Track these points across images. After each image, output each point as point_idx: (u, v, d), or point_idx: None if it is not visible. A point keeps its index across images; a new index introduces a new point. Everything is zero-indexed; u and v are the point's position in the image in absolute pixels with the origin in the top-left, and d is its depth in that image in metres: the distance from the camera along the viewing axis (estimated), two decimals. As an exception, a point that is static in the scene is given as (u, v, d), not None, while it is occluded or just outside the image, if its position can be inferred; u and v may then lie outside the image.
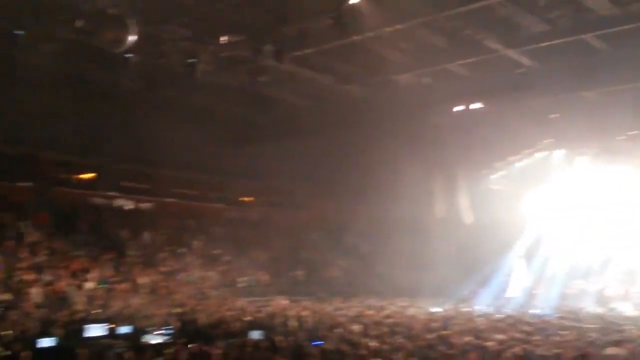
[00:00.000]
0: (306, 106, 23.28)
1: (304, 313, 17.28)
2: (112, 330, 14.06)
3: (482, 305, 23.23)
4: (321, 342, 12.01)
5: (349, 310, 18.76)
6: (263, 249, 26.87)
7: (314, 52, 17.51)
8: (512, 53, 17.52)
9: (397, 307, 20.46)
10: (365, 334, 13.30)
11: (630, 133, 22.57)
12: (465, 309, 21.56)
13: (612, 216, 27.76)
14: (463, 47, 17.57)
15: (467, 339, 12.40)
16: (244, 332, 13.45)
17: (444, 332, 13.42)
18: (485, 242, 27.41)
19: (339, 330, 13.75)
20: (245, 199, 31.01)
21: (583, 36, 16.21)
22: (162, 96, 20.96)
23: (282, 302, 20.85)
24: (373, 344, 11.54)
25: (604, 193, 27.29)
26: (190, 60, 16.13)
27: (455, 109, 20.88)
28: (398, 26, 15.70)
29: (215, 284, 23.02)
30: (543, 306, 22.75)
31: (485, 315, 18.75)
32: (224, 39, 15.92)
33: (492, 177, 28.28)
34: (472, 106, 20.57)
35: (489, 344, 11.76)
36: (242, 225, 28.29)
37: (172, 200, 27.69)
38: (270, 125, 25.12)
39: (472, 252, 27.42)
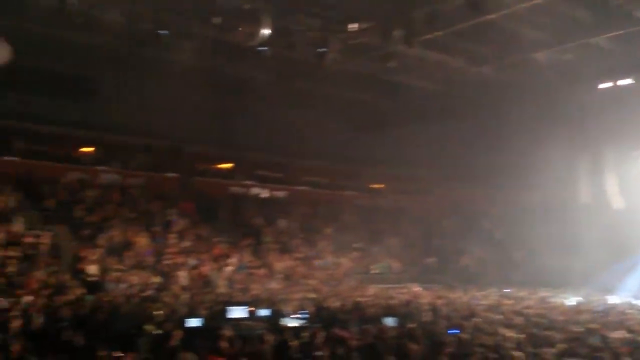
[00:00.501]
0: (437, 90, 22.69)
1: (439, 301, 16.98)
2: (252, 312, 14.60)
3: (629, 295, 21.43)
4: (457, 331, 11.69)
5: (485, 299, 18.15)
6: (395, 236, 26.72)
7: (444, 35, 16.99)
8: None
9: (538, 297, 19.47)
10: (504, 324, 12.75)
11: None
12: (612, 299, 20.01)
13: None
14: (609, 20, 16.18)
15: (618, 333, 11.49)
16: (377, 319, 13.42)
17: (592, 325, 12.52)
18: (634, 229, 25.21)
19: (476, 319, 13.32)
20: (377, 186, 31.01)
21: None
22: (293, 87, 21.43)
23: (415, 289, 20.63)
24: (511, 334, 11.03)
25: None
26: (320, 50, 16.29)
27: (602, 86, 19.35)
28: (537, 1, 14.79)
29: (347, 270, 23.29)
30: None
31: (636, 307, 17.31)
32: (353, 26, 15.90)
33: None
34: (621, 82, 18.96)
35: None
36: (374, 213, 28.33)
37: (305, 188, 28.40)
38: (400, 112, 24.86)
39: (619, 239, 25.29)
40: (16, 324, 11.61)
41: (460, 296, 18.96)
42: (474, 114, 22.99)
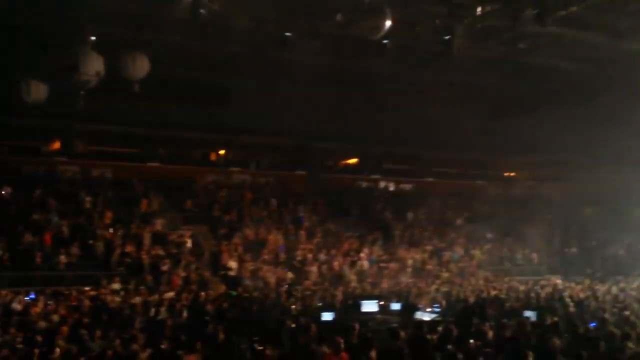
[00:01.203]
0: (575, 70, 21.11)
1: (582, 294, 15.95)
2: (383, 307, 14.56)
3: None
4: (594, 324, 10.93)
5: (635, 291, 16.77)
6: (531, 225, 25.42)
7: (580, 9, 15.79)
8: None
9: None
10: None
11: None
12: None
13: None
14: None
15: None
16: (517, 312, 12.85)
17: None
18: None
19: (626, 312, 12.33)
20: (510, 174, 29.79)
21: None
22: (418, 78, 21.03)
23: (556, 281, 19.53)
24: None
25: None
26: (445, 37, 15.82)
27: None
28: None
29: (481, 262, 22.54)
30: None
31: None
32: (480, 9, 15.28)
33: None
34: None
35: None
36: (508, 202, 27.15)
37: (435, 179, 27.89)
38: (534, 95, 23.50)
39: None
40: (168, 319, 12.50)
41: (609, 289, 17.62)
42: (615, 93, 21.20)
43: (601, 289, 17.40)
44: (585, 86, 21.28)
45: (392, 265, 21.10)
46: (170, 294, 15.41)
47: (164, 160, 23.90)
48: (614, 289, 17.22)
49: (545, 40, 17.84)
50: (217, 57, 18.87)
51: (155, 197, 21.24)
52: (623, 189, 26.57)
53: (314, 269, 19.58)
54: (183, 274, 17.64)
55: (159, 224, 19.88)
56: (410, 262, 21.44)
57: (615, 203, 26.69)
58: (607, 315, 11.75)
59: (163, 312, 13.53)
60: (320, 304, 15.03)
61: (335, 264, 20.28)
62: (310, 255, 20.37)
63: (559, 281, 19.52)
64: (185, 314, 13.58)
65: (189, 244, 19.52)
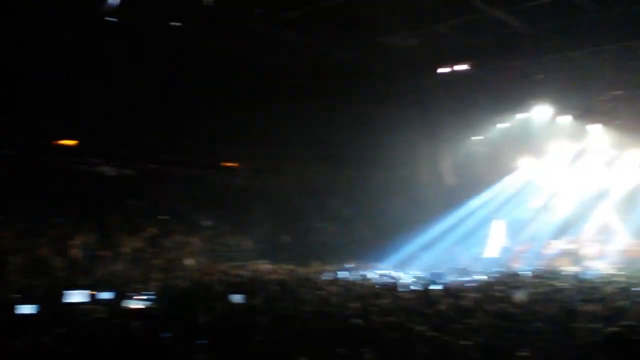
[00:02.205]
0: (291, 70, 22.55)
1: (285, 277, 17.37)
2: (92, 296, 13.89)
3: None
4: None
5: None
6: (247, 214, 26.75)
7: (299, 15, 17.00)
8: (499, 13, 17.13)
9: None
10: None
11: (612, 93, 22.70)
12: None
13: (589, 175, 28.04)
14: (450, 7, 17.19)
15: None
16: (224, 296, 13.37)
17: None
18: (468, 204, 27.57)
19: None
20: (232, 164, 30.71)
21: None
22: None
23: (265, 266, 20.86)
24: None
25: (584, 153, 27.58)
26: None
27: (441, 70, 20.60)
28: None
29: (197, 249, 22.90)
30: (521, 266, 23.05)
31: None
32: None
33: (477, 139, 28.41)
34: (458, 67, 20.30)
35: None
36: (227, 192, 28.05)
37: (157, 166, 27.31)
38: (253, 91, 24.52)
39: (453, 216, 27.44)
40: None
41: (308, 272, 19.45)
42: (326, 95, 23.30)
43: (302, 271, 19.14)
44: (298, 86, 22.86)
45: (107, 252, 20.20)
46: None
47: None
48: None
49: (266, 39, 18.82)
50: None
51: None
52: (327, 182, 29.61)
53: (16, 258, 17.72)
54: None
55: None
56: (126, 249, 20.78)
57: (321, 195, 29.65)
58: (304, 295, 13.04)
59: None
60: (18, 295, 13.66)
61: (42, 251, 18.65)
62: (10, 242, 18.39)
63: (268, 266, 20.83)
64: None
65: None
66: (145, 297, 14.22)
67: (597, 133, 26.34)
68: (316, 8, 16.48)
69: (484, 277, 18.77)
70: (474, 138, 28.45)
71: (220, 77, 23.40)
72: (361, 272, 20.65)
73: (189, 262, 20.98)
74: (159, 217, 24.03)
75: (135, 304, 13.44)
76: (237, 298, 12.67)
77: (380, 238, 26.38)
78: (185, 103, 22.86)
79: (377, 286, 16.15)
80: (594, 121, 25.76)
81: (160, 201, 25.14)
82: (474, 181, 27.99)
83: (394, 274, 20.85)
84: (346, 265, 22.00)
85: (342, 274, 19.29)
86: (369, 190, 29.00)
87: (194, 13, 16.27)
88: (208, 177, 28.78)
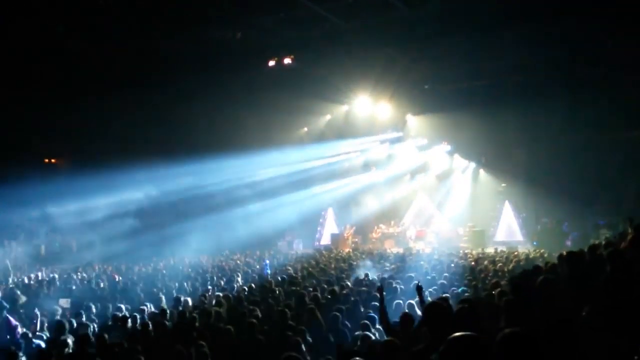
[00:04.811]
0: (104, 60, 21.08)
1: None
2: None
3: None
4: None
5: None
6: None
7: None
8: (320, 10, 17.64)
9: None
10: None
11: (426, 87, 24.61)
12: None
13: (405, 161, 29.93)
14: (276, 2, 17.43)
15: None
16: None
17: None
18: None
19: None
20: (52, 160, 28.79)
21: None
22: None
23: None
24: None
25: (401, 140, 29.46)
26: None
27: (270, 63, 20.83)
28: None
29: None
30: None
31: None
32: None
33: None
34: (286, 61, 20.64)
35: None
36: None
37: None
38: (68, 83, 22.65)
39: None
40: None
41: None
42: (136, 86, 21.98)
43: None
44: (106, 76, 21.49)
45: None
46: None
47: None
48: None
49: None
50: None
51: None
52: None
53: None
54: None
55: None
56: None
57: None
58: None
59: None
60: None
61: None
62: None
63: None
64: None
65: None
66: None
67: (413, 122, 28.23)
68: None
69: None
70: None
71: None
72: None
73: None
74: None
75: None
76: None
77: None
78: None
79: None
80: (411, 112, 27.51)
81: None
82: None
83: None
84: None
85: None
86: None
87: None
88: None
